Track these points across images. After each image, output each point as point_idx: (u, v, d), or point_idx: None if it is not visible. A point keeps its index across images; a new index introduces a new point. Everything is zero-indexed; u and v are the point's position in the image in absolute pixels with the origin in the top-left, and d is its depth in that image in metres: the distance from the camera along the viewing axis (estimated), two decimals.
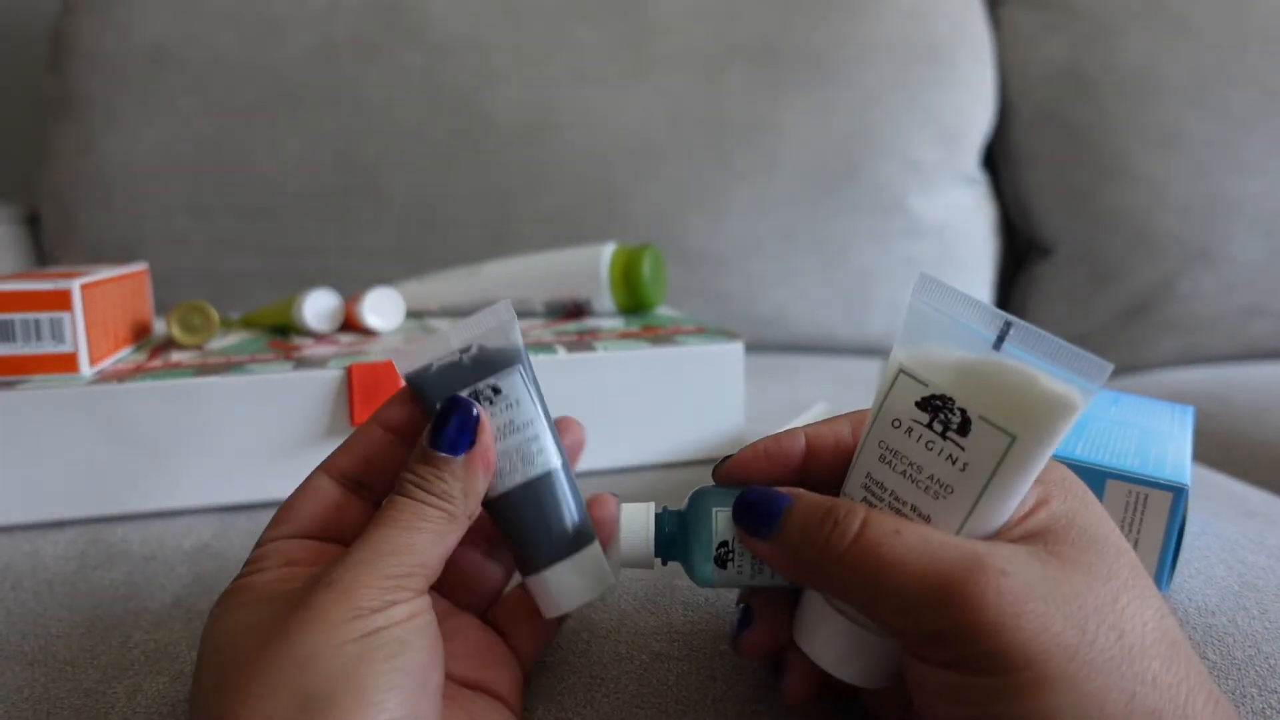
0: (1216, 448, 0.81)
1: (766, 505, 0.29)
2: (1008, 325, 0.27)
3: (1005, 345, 0.27)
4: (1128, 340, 1.04)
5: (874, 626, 0.28)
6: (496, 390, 0.32)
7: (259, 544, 0.32)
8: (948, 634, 0.25)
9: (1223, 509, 0.50)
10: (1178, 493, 0.36)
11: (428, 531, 0.29)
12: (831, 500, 0.28)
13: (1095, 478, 0.38)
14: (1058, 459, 0.38)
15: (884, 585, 0.26)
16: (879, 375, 0.50)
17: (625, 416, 0.53)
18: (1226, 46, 1.00)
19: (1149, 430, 0.42)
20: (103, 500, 0.48)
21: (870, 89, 0.99)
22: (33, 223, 1.04)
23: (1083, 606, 0.25)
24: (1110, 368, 0.25)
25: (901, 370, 0.29)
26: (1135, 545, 0.38)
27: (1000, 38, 1.08)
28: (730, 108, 0.98)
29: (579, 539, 0.32)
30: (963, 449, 0.27)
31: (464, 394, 0.31)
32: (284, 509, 0.33)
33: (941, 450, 0.27)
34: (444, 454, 0.30)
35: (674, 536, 0.32)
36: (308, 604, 0.27)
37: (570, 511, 0.32)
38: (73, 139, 0.98)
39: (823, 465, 0.31)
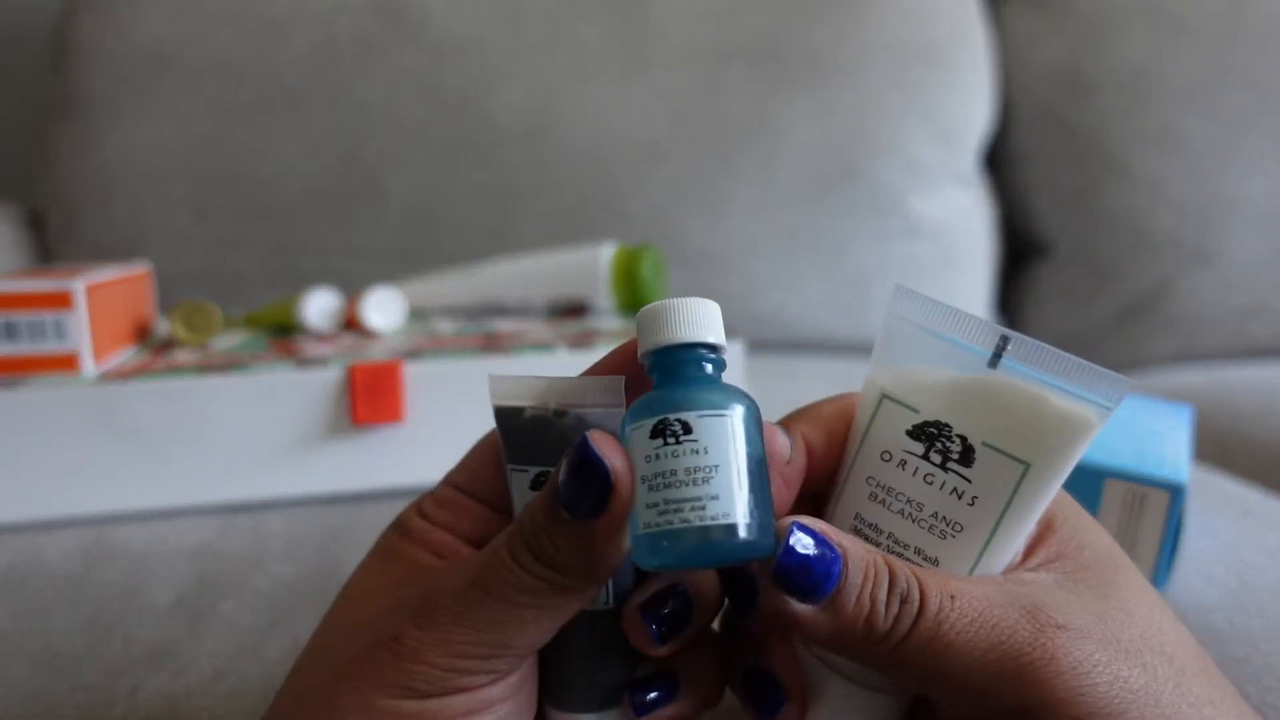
0: (1215, 447, 0.82)
1: (822, 566, 0.23)
2: (1004, 340, 0.24)
3: (1004, 361, 0.24)
4: (1126, 340, 1.04)
5: (882, 682, 0.25)
6: None
7: (462, 464, 0.30)
8: (1020, 711, 0.22)
9: (1221, 508, 0.50)
10: (1176, 491, 0.37)
11: (526, 607, 0.23)
12: (880, 557, 0.24)
13: (1093, 477, 0.38)
14: None
15: (947, 665, 0.22)
16: None
17: None
18: (1225, 47, 1.00)
19: (1147, 429, 0.42)
20: (105, 499, 0.48)
21: (870, 89, 0.99)
22: (35, 223, 1.04)
23: (1134, 639, 0.23)
24: (1130, 383, 0.23)
25: (885, 396, 0.25)
26: (1133, 544, 0.38)
27: (1000, 38, 1.08)
28: (730, 108, 0.98)
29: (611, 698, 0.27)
30: (969, 481, 0.24)
31: (534, 473, 0.26)
32: (483, 441, 0.30)
33: (944, 484, 0.24)
34: (566, 513, 0.23)
35: None
36: (370, 654, 0.24)
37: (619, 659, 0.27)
38: (74, 139, 0.98)
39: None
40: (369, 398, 0.50)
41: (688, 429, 0.23)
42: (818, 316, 1.00)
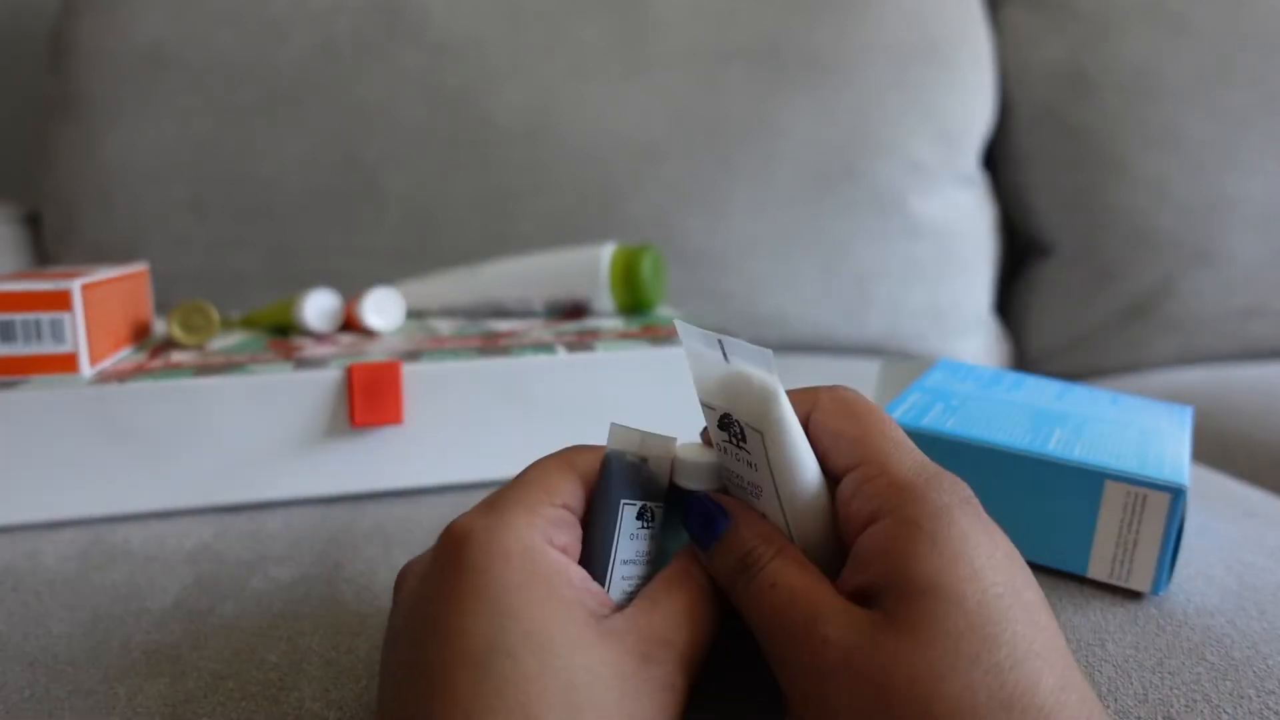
0: (1216, 448, 0.82)
1: (709, 521, 0.31)
2: (720, 341, 0.29)
3: (728, 357, 0.30)
4: (1127, 340, 1.04)
5: None
6: (653, 515, 0.32)
7: (544, 484, 0.30)
8: (788, 676, 0.27)
9: (1222, 509, 0.50)
10: (1176, 493, 0.36)
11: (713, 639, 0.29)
12: (758, 533, 0.30)
13: (1094, 479, 0.38)
14: (1046, 458, 0.38)
15: (756, 627, 0.28)
16: (877, 376, 0.50)
17: (625, 417, 0.54)
18: (1226, 46, 1.00)
19: (1147, 431, 0.42)
20: (103, 500, 0.48)
21: (870, 89, 0.99)
22: (33, 223, 1.04)
23: (893, 675, 0.24)
24: (769, 352, 0.28)
25: (702, 403, 0.31)
26: (1134, 546, 0.38)
27: (1000, 38, 1.08)
28: (730, 108, 0.98)
29: None
30: (749, 452, 0.30)
31: (639, 505, 0.32)
32: (570, 464, 0.31)
33: (740, 458, 0.30)
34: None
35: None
36: (653, 696, 0.26)
37: None
38: (73, 139, 0.98)
39: None
40: (368, 399, 0.50)
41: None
42: (818, 316, 1.00)
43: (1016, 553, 0.28)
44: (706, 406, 0.31)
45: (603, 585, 0.30)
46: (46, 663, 0.36)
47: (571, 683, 0.25)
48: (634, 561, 0.31)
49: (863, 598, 0.27)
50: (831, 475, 0.31)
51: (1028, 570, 0.27)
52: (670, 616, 0.29)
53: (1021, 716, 0.23)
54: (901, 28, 1.00)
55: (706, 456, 0.33)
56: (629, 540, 0.31)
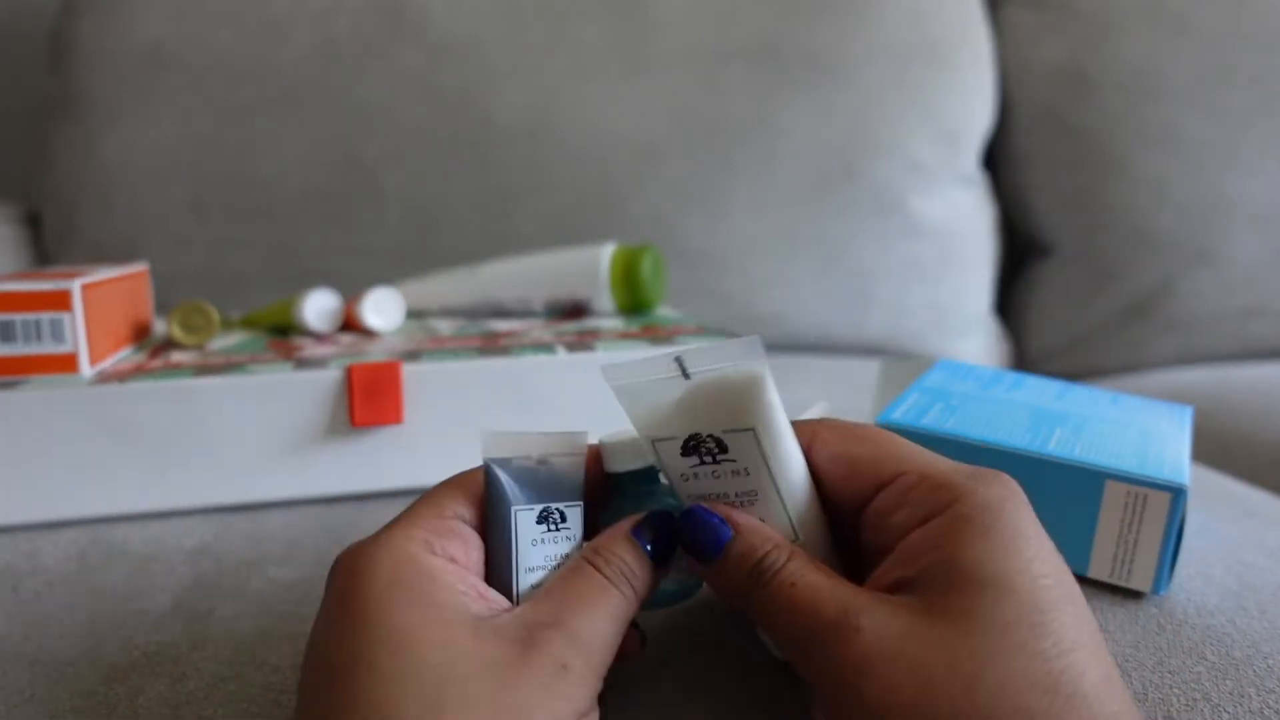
0: (1216, 448, 0.82)
1: (709, 534, 0.30)
2: (679, 358, 0.30)
3: (690, 372, 0.30)
4: (1127, 340, 1.04)
5: None
6: (563, 516, 0.32)
7: (431, 501, 0.30)
8: (819, 680, 0.26)
9: (1222, 509, 0.50)
10: (1177, 493, 0.36)
11: (621, 628, 0.29)
12: (765, 538, 0.30)
13: (1094, 479, 0.38)
14: (1046, 458, 0.38)
15: (778, 629, 0.28)
16: (877, 376, 0.50)
17: (625, 417, 0.53)
18: (1226, 46, 1.00)
19: (1147, 431, 0.42)
20: (103, 500, 0.48)
21: (870, 89, 0.99)
22: (33, 223, 1.04)
23: (932, 660, 0.24)
24: (757, 339, 0.29)
25: (652, 440, 0.31)
26: (1135, 546, 0.38)
27: (1000, 38, 1.08)
28: (730, 108, 0.98)
29: None
30: (735, 460, 0.30)
31: (538, 509, 0.31)
32: (459, 482, 0.31)
33: (721, 473, 0.30)
34: (651, 558, 0.30)
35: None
36: (534, 679, 0.26)
37: None
38: (73, 139, 0.98)
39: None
40: (368, 398, 0.50)
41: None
42: (818, 316, 1.00)
43: (1056, 548, 0.28)
44: (660, 441, 0.31)
45: (510, 594, 0.30)
46: (46, 663, 0.36)
47: (434, 681, 0.25)
48: (543, 567, 0.30)
49: (896, 591, 0.27)
50: (847, 502, 0.31)
51: (1067, 566, 0.28)
52: (560, 600, 0.28)
53: (1066, 704, 0.23)
54: (901, 28, 1.00)
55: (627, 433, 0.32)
56: (531, 547, 0.30)
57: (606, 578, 0.29)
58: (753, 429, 0.30)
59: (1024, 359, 1.10)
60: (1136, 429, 0.42)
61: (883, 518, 0.29)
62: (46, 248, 1.01)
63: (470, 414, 0.51)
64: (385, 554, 0.28)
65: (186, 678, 0.35)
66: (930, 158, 1.00)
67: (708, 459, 0.30)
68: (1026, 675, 0.24)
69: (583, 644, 0.27)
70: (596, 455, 0.33)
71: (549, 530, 0.31)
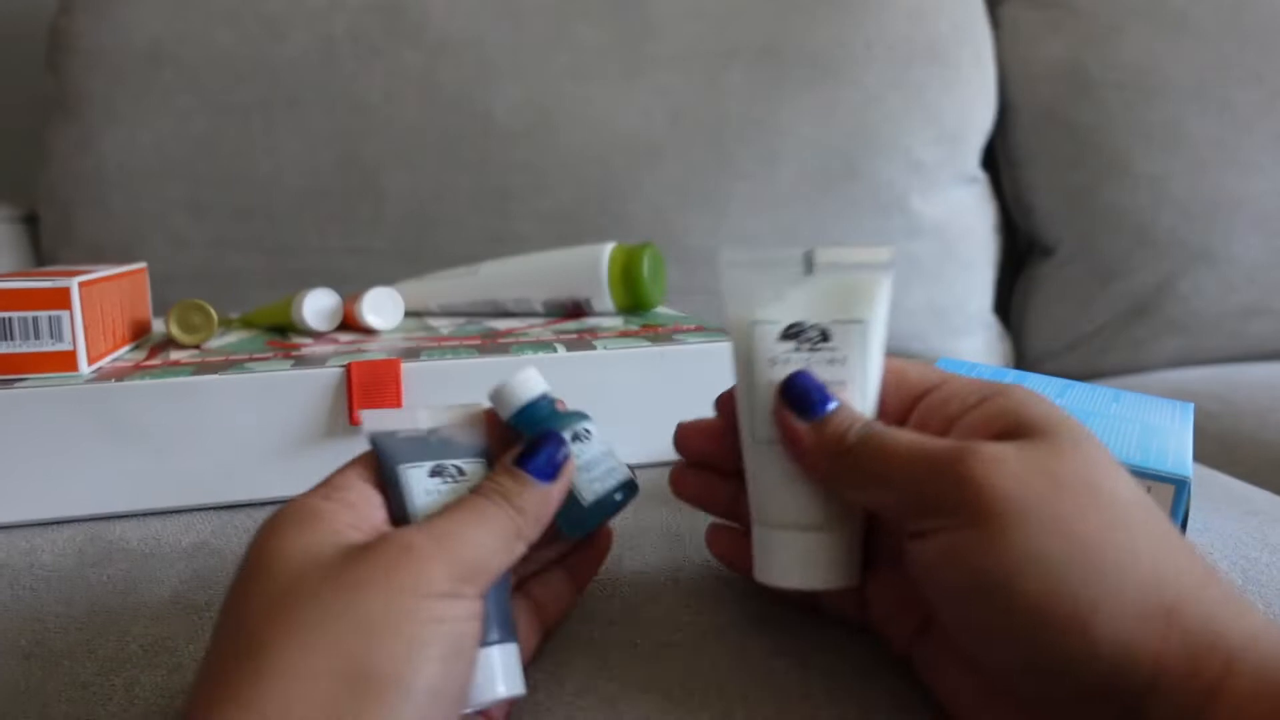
0: (1218, 447, 0.81)
1: (820, 394, 0.32)
2: (809, 253, 0.33)
3: (816, 266, 0.33)
4: (1129, 340, 1.04)
5: (824, 521, 0.33)
6: (460, 470, 0.33)
7: (337, 471, 0.32)
8: (943, 497, 0.28)
9: (1225, 507, 0.50)
10: (1180, 485, 0.36)
11: (500, 537, 0.30)
12: (863, 413, 0.32)
13: None
14: None
15: (892, 471, 0.29)
16: None
17: (625, 416, 0.53)
18: (1227, 45, 1.00)
19: (1149, 425, 0.42)
20: (101, 499, 0.48)
21: (871, 89, 0.99)
22: (31, 221, 1.04)
23: (1056, 464, 0.27)
24: (890, 248, 0.33)
25: (753, 322, 0.34)
26: None
27: (1000, 37, 1.08)
28: (730, 108, 0.98)
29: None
30: (835, 349, 0.33)
31: (429, 465, 0.32)
32: (363, 457, 0.33)
33: (817, 360, 0.33)
34: (531, 475, 0.31)
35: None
36: (377, 560, 0.27)
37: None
38: (71, 138, 0.98)
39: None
40: (367, 396, 0.49)
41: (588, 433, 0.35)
42: None
43: None
44: (759, 324, 0.33)
45: None
46: (42, 655, 0.36)
47: (286, 581, 0.27)
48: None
49: None
50: (892, 409, 0.34)
51: None
52: (437, 516, 0.30)
53: (1159, 522, 0.27)
54: (902, 27, 1.00)
55: (521, 371, 0.34)
56: (426, 496, 0.31)
57: (489, 501, 0.30)
58: (864, 321, 0.33)
59: (1025, 359, 1.10)
60: (1138, 424, 0.42)
61: (933, 413, 0.32)
62: (44, 246, 1.01)
63: None
64: (285, 508, 0.30)
65: (182, 668, 0.35)
66: (931, 157, 1.00)
67: (805, 345, 0.33)
68: (1128, 487, 0.27)
69: (434, 532, 0.28)
70: (495, 416, 0.35)
71: (444, 483, 0.32)
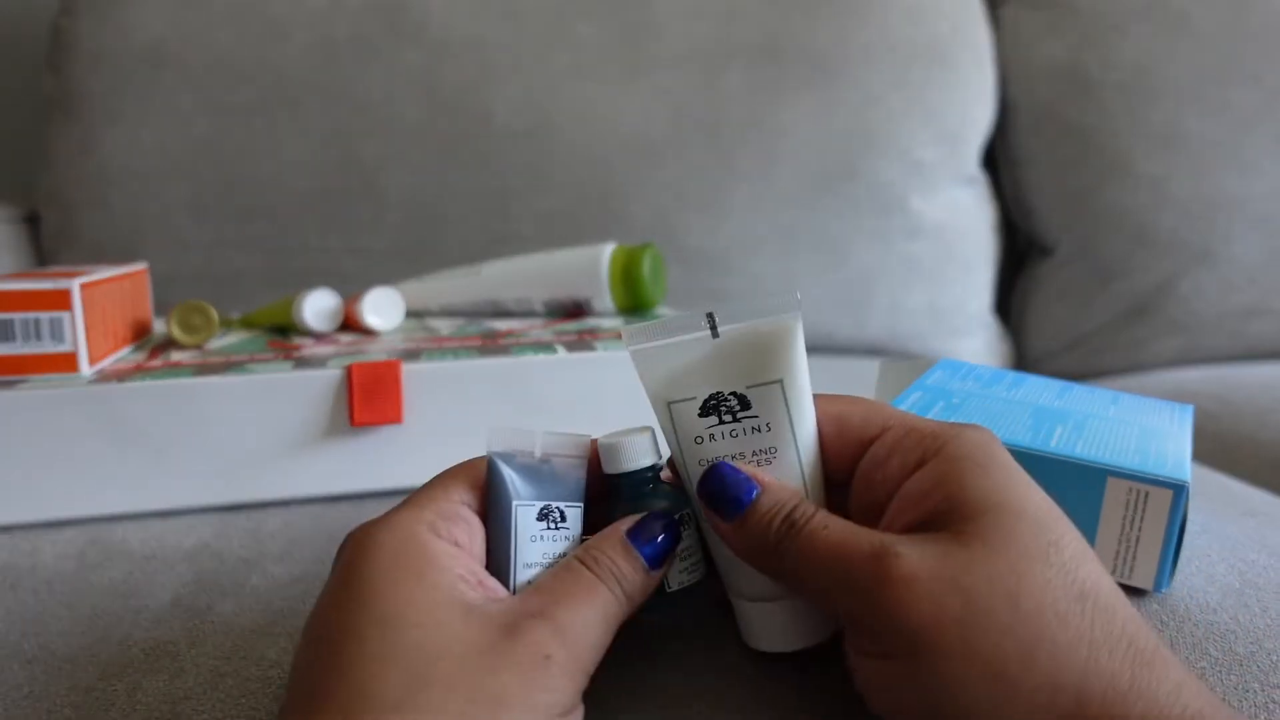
0: (1217, 448, 0.81)
1: (736, 491, 0.30)
2: (711, 315, 0.32)
3: (720, 329, 0.32)
4: (1128, 340, 1.04)
5: (779, 594, 0.32)
6: (562, 515, 0.32)
7: (439, 484, 0.31)
8: (861, 615, 0.27)
9: (1224, 508, 0.50)
10: (1178, 490, 0.36)
11: (611, 630, 0.29)
12: (791, 494, 0.31)
13: (1095, 476, 0.37)
14: (1048, 455, 0.38)
15: (815, 573, 0.28)
16: (877, 375, 0.50)
17: (625, 416, 0.53)
18: (1227, 46, 1.00)
19: (1148, 429, 0.42)
20: (102, 500, 0.48)
21: (870, 89, 0.99)
22: (32, 222, 1.04)
23: (973, 577, 0.26)
24: (793, 294, 0.32)
25: (668, 404, 0.32)
26: (1136, 542, 0.38)
27: (1000, 37, 1.08)
28: (730, 108, 0.98)
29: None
30: (756, 416, 0.31)
31: (539, 506, 0.31)
32: (466, 469, 0.32)
33: (740, 430, 0.31)
34: (643, 559, 0.30)
35: None
36: (516, 668, 0.26)
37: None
38: (72, 139, 0.98)
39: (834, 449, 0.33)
40: (368, 398, 0.50)
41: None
42: (818, 316, 1.00)
43: None
44: (676, 404, 0.32)
45: (507, 585, 0.30)
46: (45, 660, 0.36)
47: (418, 660, 0.25)
48: (540, 564, 0.31)
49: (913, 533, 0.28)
50: (836, 460, 0.32)
51: None
52: (548, 594, 0.29)
53: (1093, 609, 0.26)
54: (902, 27, 1.00)
55: (639, 434, 0.33)
56: (530, 543, 0.30)
57: (596, 576, 0.29)
58: (780, 381, 0.31)
59: (1024, 359, 1.10)
60: (1137, 427, 0.42)
61: (875, 469, 0.31)
62: (45, 247, 1.01)
63: (470, 414, 0.51)
64: (389, 534, 0.28)
65: (184, 673, 0.35)
66: (931, 157, 1.00)
67: (727, 417, 0.31)
68: (1059, 586, 0.26)
69: (568, 638, 0.27)
70: (596, 457, 0.34)
71: (548, 528, 0.31)
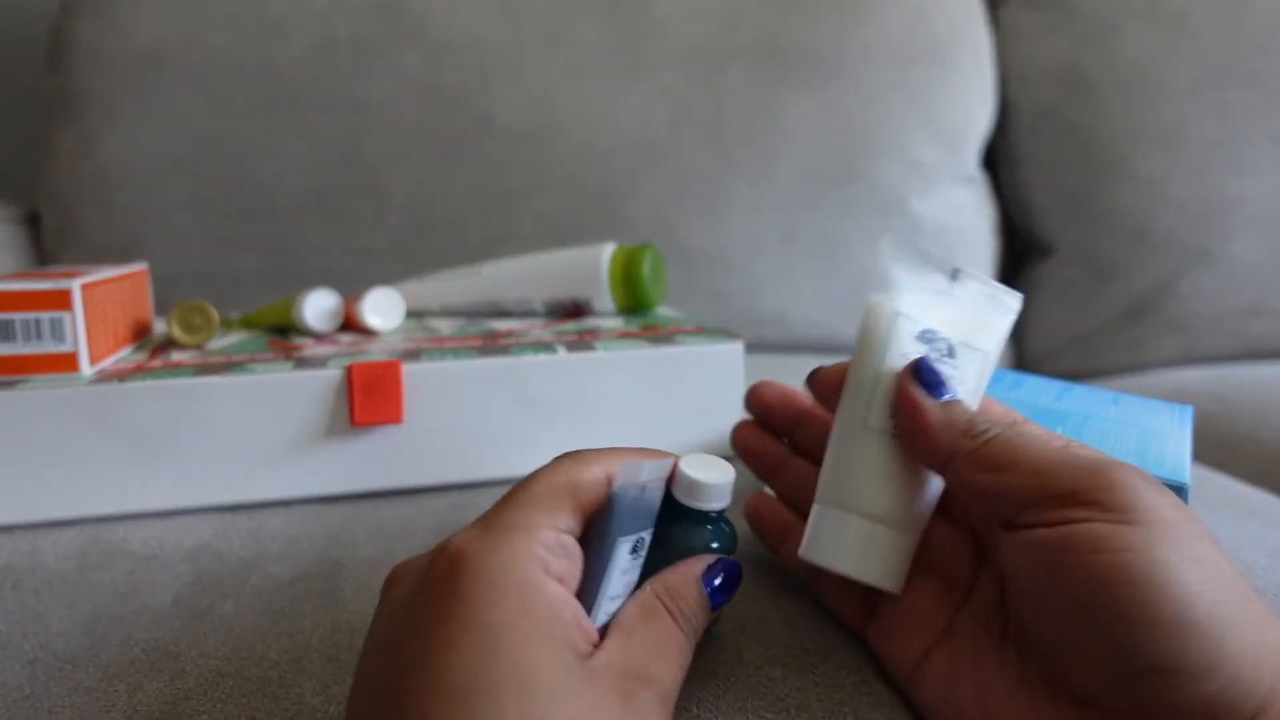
0: (1217, 448, 0.81)
1: (944, 379, 0.32)
2: (955, 271, 0.35)
3: (958, 282, 0.35)
4: (1128, 340, 1.04)
5: (907, 529, 0.32)
6: (643, 543, 0.31)
7: (545, 507, 0.29)
8: (1090, 492, 0.27)
9: (1223, 509, 0.50)
10: (1178, 490, 0.36)
11: (684, 675, 0.29)
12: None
13: None
14: None
15: (1029, 459, 0.29)
16: None
17: (625, 416, 0.53)
18: (1226, 46, 1.00)
19: (1148, 429, 0.42)
20: (103, 500, 0.48)
21: (870, 89, 0.99)
22: (33, 222, 1.04)
23: (1188, 517, 0.27)
24: (1019, 296, 0.35)
25: (898, 314, 0.34)
26: None
27: (1000, 38, 1.08)
28: (730, 108, 0.98)
29: None
30: (956, 367, 0.33)
31: (633, 539, 0.30)
32: (571, 488, 0.30)
33: (939, 358, 0.33)
34: (712, 603, 0.31)
35: None
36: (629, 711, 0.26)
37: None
38: (73, 139, 0.98)
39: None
40: (368, 398, 0.50)
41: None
42: (818, 316, 1.00)
43: None
44: (903, 317, 0.34)
45: (589, 613, 0.29)
46: (46, 661, 0.36)
47: (528, 708, 0.24)
48: (620, 595, 0.30)
49: None
50: None
51: None
52: (648, 648, 0.28)
53: (1250, 591, 0.27)
54: (902, 28, 1.00)
55: (722, 473, 0.32)
56: (620, 575, 0.30)
57: (680, 629, 0.29)
58: (986, 354, 0.34)
59: (1024, 359, 1.10)
60: (1137, 428, 0.42)
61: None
62: (46, 247, 1.01)
63: (470, 414, 0.51)
64: (511, 571, 0.27)
65: (185, 674, 0.35)
66: (931, 158, 1.00)
67: (935, 353, 0.33)
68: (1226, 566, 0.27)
69: (669, 701, 0.28)
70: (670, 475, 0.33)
71: (635, 560, 0.31)
